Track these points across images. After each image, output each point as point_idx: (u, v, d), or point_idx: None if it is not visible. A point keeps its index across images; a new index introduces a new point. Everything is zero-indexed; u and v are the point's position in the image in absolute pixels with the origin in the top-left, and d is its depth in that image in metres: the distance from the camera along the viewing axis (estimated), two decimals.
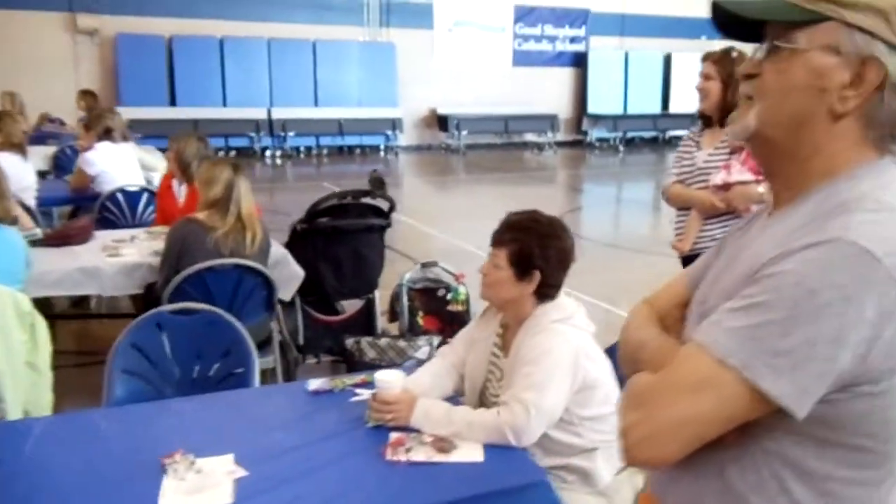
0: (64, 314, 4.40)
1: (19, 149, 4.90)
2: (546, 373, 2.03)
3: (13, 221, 3.78)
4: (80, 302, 4.79)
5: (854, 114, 1.03)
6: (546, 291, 2.16)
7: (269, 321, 3.55)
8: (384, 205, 4.16)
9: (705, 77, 3.28)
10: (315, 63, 14.76)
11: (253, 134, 14.21)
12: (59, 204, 5.40)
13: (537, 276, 2.13)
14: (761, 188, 3.14)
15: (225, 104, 14.13)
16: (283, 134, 14.36)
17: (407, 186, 13.52)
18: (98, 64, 13.79)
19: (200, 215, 3.44)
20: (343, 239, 4.05)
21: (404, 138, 15.62)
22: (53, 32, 13.37)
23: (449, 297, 4.63)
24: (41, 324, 3.13)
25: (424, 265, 4.69)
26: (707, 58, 3.32)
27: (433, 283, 4.71)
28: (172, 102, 13.89)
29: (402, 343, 4.09)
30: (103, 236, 4.12)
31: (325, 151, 14.96)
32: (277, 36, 14.39)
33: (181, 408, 2.24)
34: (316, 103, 14.79)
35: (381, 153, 15.37)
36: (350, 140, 15.06)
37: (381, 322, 4.74)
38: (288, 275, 3.96)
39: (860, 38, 1.01)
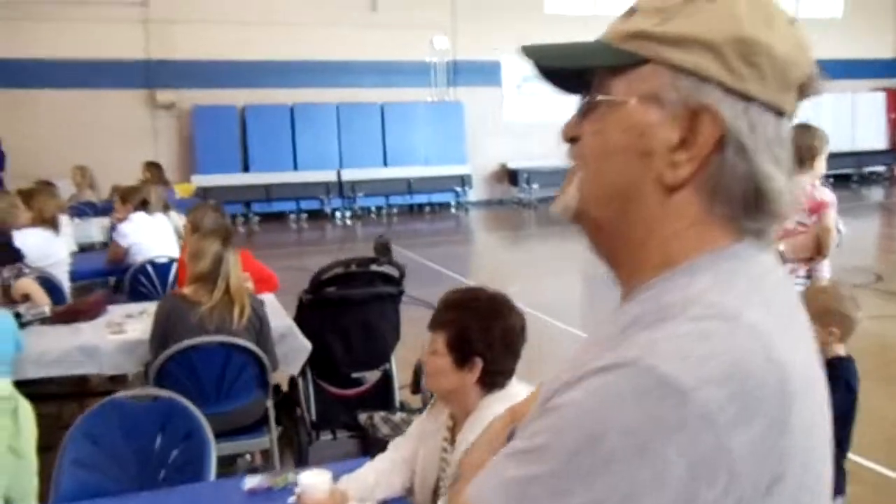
0: (65, 393, 4.34)
1: (51, 224, 4.97)
2: None
3: (16, 300, 3.79)
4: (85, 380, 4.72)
5: (692, 183, 0.76)
6: (492, 380, 1.90)
7: (264, 399, 3.38)
8: (394, 272, 3.97)
9: None
10: (383, 124, 14.92)
11: (323, 196, 14.39)
12: (94, 277, 5.45)
13: (479, 363, 1.87)
14: (781, 246, 2.80)
15: (296, 168, 14.39)
16: (352, 195, 14.48)
17: (477, 243, 13.37)
18: (175, 135, 14.32)
19: (187, 290, 3.34)
20: (351, 309, 3.87)
21: (474, 194, 15.52)
22: (134, 107, 13.99)
23: None
24: (25, 408, 3.06)
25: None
26: None
27: None
28: (245, 168, 14.23)
29: (416, 419, 3.84)
30: (114, 311, 4.07)
31: (394, 210, 14.99)
32: (346, 101, 14.63)
33: None
34: (385, 163, 14.90)
35: (452, 209, 15.30)
36: (419, 198, 15.06)
37: (404, 394, 4.52)
38: (295, 348, 3.80)
39: (687, 82, 0.75)
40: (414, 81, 15.22)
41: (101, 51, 13.48)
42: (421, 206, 15.26)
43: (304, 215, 14.31)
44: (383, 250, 3.90)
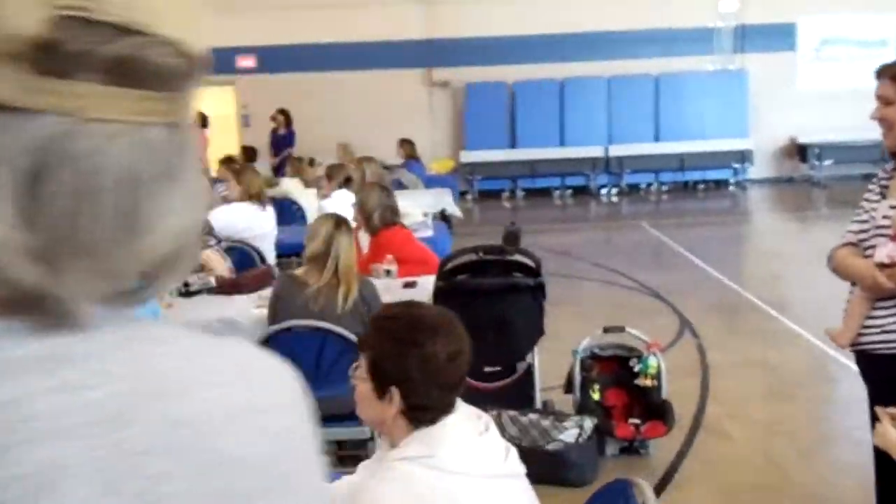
0: None
1: (257, 199, 5.32)
2: None
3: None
4: None
5: None
6: (415, 415, 1.59)
7: None
8: (531, 262, 3.65)
9: (884, 101, 2.28)
10: (657, 97, 14.11)
11: (589, 172, 14.00)
12: (298, 251, 5.73)
13: (396, 393, 1.58)
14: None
15: (562, 144, 14.16)
16: (619, 171, 13.92)
17: (751, 225, 12.18)
18: (449, 112, 14.81)
19: (299, 270, 3.35)
20: (483, 299, 3.63)
21: (755, 171, 14.09)
22: (413, 86, 14.70)
23: (637, 368, 3.92)
24: None
25: (608, 330, 4.04)
26: (883, 73, 2.30)
27: (625, 352, 4.04)
28: (512, 145, 14.31)
29: (546, 422, 3.53)
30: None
31: (664, 187, 14.15)
32: (618, 73, 14.05)
33: None
34: (656, 138, 14.10)
35: (729, 188, 14.07)
36: (692, 175, 14.04)
37: (554, 394, 4.19)
38: None
39: None
40: (693, 49, 14.15)
41: (385, 33, 14.33)
42: (694, 183, 14.23)
43: (569, 192, 14.07)
44: (512, 240, 3.60)
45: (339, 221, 3.39)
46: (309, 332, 3.13)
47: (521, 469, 1.65)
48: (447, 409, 1.60)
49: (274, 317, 3.30)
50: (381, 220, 4.42)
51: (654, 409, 3.85)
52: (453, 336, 1.62)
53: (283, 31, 14.47)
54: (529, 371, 3.85)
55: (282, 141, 12.59)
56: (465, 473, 1.51)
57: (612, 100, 14.11)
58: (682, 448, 3.91)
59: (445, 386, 1.60)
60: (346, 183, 5.78)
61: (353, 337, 3.12)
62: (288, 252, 6.17)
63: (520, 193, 14.15)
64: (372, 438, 3.31)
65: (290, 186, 7.89)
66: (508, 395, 3.85)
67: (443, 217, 10.49)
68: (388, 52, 14.38)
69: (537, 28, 13.92)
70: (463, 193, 14.09)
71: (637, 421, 3.81)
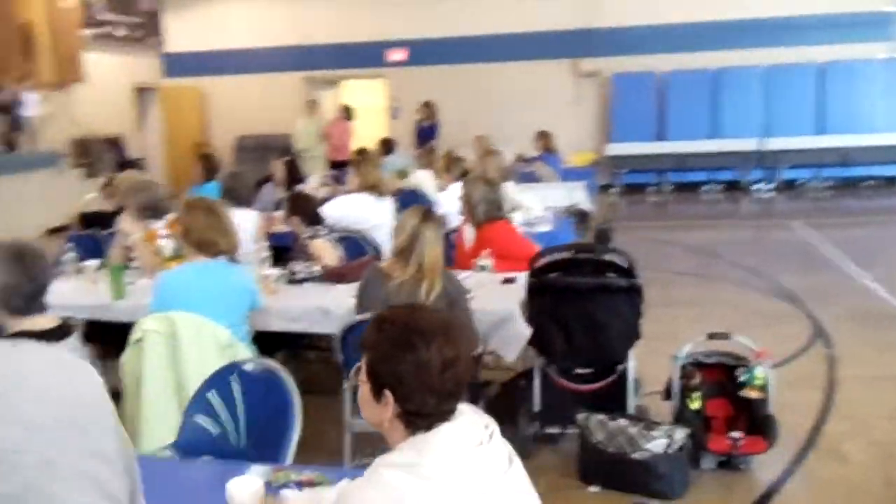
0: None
1: (374, 189, 5.44)
2: None
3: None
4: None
5: None
6: (409, 420, 1.57)
7: None
8: (625, 262, 3.50)
9: None
10: (821, 87, 13.16)
11: (742, 167, 13.28)
12: None
13: (389, 397, 1.57)
14: None
15: (714, 136, 13.50)
16: (775, 166, 13.11)
17: None
18: (596, 103, 14.50)
19: (385, 263, 3.39)
20: (574, 298, 3.54)
21: None
22: (560, 77, 14.50)
23: (743, 378, 3.70)
24: (243, 354, 3.40)
25: (712, 336, 3.84)
26: None
27: (731, 360, 3.83)
28: (661, 137, 13.81)
29: (633, 430, 3.41)
30: None
31: (825, 184, 13.17)
32: (779, 62, 13.21)
33: None
34: (818, 131, 13.15)
35: None
36: (857, 171, 13.00)
37: (651, 400, 4.03)
38: (513, 333, 3.62)
39: None
40: (864, 36, 13.07)
41: (533, 24, 14.22)
42: (859, 179, 13.16)
43: (719, 187, 13.42)
44: (602, 237, 3.46)
45: (425, 215, 3.40)
46: None
47: (524, 483, 1.59)
48: (445, 415, 1.57)
49: (360, 308, 3.36)
50: (484, 214, 4.40)
51: (758, 423, 3.61)
52: (450, 342, 1.57)
53: (432, 24, 14.70)
54: (624, 375, 3.71)
55: (425, 133, 12.80)
56: (451, 484, 1.47)
57: (769, 90, 13.31)
58: (789, 466, 3.65)
59: (442, 393, 1.56)
60: (464, 176, 5.79)
61: None
62: None
63: (667, 188, 13.66)
64: None
65: (423, 178, 8.00)
66: (602, 399, 3.73)
67: (580, 212, 10.36)
68: (536, 43, 14.28)
69: (690, 16, 13.36)
70: (607, 187, 13.78)
71: (737, 434, 3.59)
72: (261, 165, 8.56)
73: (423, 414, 1.56)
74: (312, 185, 5.32)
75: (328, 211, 5.22)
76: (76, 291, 4.29)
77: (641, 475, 3.34)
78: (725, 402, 3.78)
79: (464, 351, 1.61)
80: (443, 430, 1.54)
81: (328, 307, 3.79)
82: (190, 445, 2.57)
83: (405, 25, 14.88)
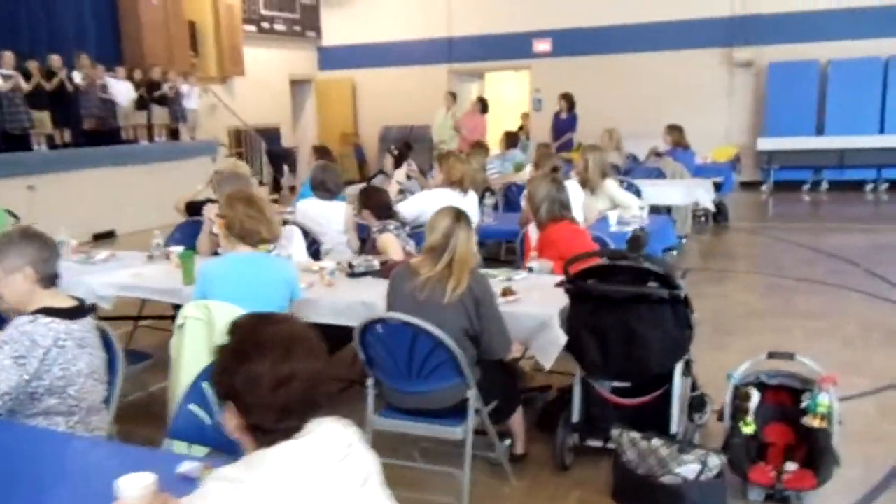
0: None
1: (459, 185, 5.39)
2: None
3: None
4: None
5: None
6: (256, 434, 1.52)
7: (464, 387, 3.19)
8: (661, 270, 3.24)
9: None
10: None
11: None
12: (505, 237, 5.70)
13: (232, 408, 1.52)
14: None
15: (882, 131, 12.31)
16: None
17: None
18: (750, 94, 13.64)
19: (416, 259, 3.35)
20: (610, 307, 3.33)
21: None
22: (712, 67, 13.76)
23: (806, 404, 3.38)
24: None
25: (773, 356, 3.51)
26: None
27: (798, 383, 3.50)
28: (820, 131, 12.77)
29: (665, 451, 3.18)
30: None
31: None
32: None
33: None
34: None
35: None
36: None
37: (704, 419, 3.74)
38: (550, 340, 3.48)
39: None
40: None
41: (683, 12, 13.58)
42: None
43: (885, 185, 12.23)
44: (635, 245, 3.22)
45: (458, 215, 3.33)
46: (402, 325, 3.12)
47: None
48: (289, 432, 1.51)
49: (388, 304, 3.34)
50: (548, 213, 4.24)
51: (814, 455, 3.26)
52: (287, 359, 1.50)
53: (578, 14, 14.40)
54: (667, 390, 3.45)
55: (563, 125, 12.55)
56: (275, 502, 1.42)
57: None
58: None
59: (282, 409, 1.50)
60: (554, 172, 5.61)
61: (439, 333, 3.06)
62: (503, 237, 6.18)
63: (824, 185, 12.63)
64: (464, 440, 3.24)
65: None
66: (647, 415, 3.50)
67: (717, 210, 9.78)
68: (686, 32, 13.64)
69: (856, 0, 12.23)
70: (756, 184, 12.96)
71: (791, 466, 3.26)
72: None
73: (264, 429, 1.51)
74: (399, 177, 5.35)
75: (405, 208, 5.24)
76: (159, 275, 4.57)
77: (670, 501, 3.10)
78: (787, 428, 3.43)
79: (305, 368, 1.52)
80: (282, 448, 1.49)
81: (373, 301, 3.79)
82: (181, 433, 2.66)
83: (551, 15, 14.65)
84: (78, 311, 2.69)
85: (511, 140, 9.60)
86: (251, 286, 3.48)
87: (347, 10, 16.76)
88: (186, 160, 12.10)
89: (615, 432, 3.36)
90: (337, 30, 16.93)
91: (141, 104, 12.04)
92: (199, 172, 11.74)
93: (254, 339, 1.53)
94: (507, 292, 3.76)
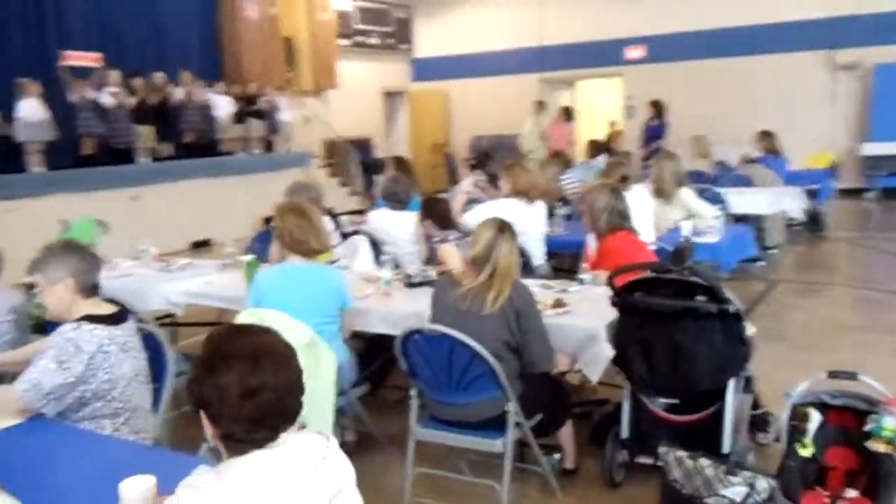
0: None
1: (524, 195, 5.36)
2: None
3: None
4: None
5: None
6: (227, 443, 1.56)
7: (503, 400, 3.16)
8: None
9: None
10: None
11: None
12: (576, 247, 5.59)
13: (204, 417, 1.57)
14: None
15: None
16: None
17: None
18: (854, 97, 12.97)
19: (459, 270, 3.36)
20: (657, 321, 3.24)
21: None
22: (813, 70, 13.18)
23: (870, 427, 3.20)
24: (326, 354, 3.56)
25: (834, 375, 3.34)
26: None
27: (864, 404, 3.32)
28: None
29: (711, 472, 3.07)
30: None
31: None
32: None
33: None
34: None
35: None
36: None
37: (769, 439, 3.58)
38: (596, 353, 3.42)
39: None
40: None
41: (780, 14, 13.08)
42: None
43: None
44: (679, 258, 3.10)
45: (501, 227, 3.32)
46: (440, 335, 3.13)
47: None
48: (260, 443, 1.54)
49: (432, 314, 3.36)
50: (606, 224, 4.16)
51: (880, 482, 3.06)
52: (256, 371, 1.53)
53: (672, 19, 14.10)
54: (719, 409, 3.32)
55: (652, 132, 12.31)
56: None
57: None
58: None
59: (250, 420, 1.53)
60: (623, 181, 5.50)
61: (474, 344, 3.05)
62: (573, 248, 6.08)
63: None
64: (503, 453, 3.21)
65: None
66: (700, 433, 3.38)
67: (812, 219, 9.34)
68: (786, 34, 13.13)
69: None
70: (860, 191, 12.32)
71: (854, 493, 3.08)
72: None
73: (234, 438, 1.54)
74: (465, 188, 5.36)
75: (470, 217, 5.25)
76: (229, 283, 4.74)
77: None
78: (850, 452, 3.24)
79: (274, 380, 1.55)
80: (251, 458, 1.52)
81: (424, 312, 3.82)
82: None
83: (644, 21, 14.39)
84: (119, 316, 2.84)
85: (596, 149, 9.46)
86: (300, 295, 3.58)
87: (440, 22, 16.96)
88: (280, 171, 12.49)
89: (662, 450, 3.25)
90: (430, 42, 17.15)
91: (238, 118, 12.52)
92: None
93: (222, 351, 1.57)
94: (558, 303, 3.72)
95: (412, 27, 17.36)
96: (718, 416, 3.37)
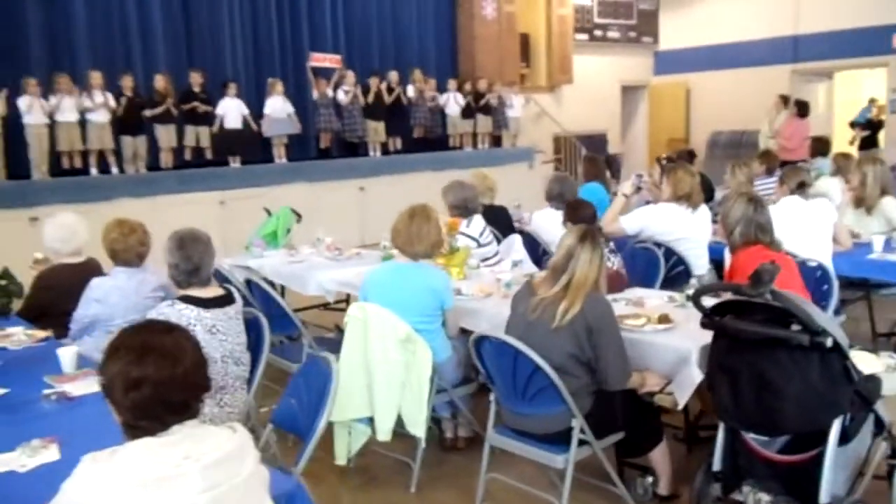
0: None
1: (686, 199, 5.02)
2: None
3: None
4: None
5: None
6: (124, 429, 1.71)
7: (569, 415, 3.06)
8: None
9: None
10: None
11: None
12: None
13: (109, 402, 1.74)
14: None
15: None
16: None
17: None
18: None
19: (538, 277, 3.30)
20: (744, 349, 2.94)
21: None
22: None
23: None
24: (422, 350, 3.70)
25: None
26: None
27: None
28: None
29: None
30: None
31: None
32: None
33: None
34: None
35: None
36: None
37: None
38: (686, 374, 3.21)
39: None
40: None
41: None
42: None
43: None
44: (757, 280, 2.72)
45: (584, 235, 3.21)
46: (505, 344, 3.10)
47: None
48: (148, 431, 1.66)
49: (508, 321, 3.34)
50: (741, 236, 3.81)
51: None
52: (140, 364, 1.66)
53: None
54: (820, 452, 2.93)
55: None
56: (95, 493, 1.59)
57: None
58: None
59: (133, 409, 1.67)
60: (800, 189, 4.96)
61: (535, 356, 2.99)
62: None
63: None
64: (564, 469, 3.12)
65: (828, 186, 6.96)
66: (800, 475, 3.03)
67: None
68: None
69: None
70: None
71: None
72: (725, 163, 7.59)
73: (127, 424, 1.70)
74: (624, 189, 5.13)
75: (627, 221, 5.07)
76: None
77: None
78: None
79: (156, 374, 1.66)
80: (138, 444, 1.65)
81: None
82: (278, 421, 2.98)
83: None
84: (217, 300, 3.16)
85: (818, 148, 8.55)
86: (399, 292, 3.73)
87: (686, 12, 16.23)
88: (503, 166, 12.72)
89: (746, 488, 2.99)
90: (674, 33, 16.49)
91: (467, 113, 12.95)
92: (514, 178, 12.31)
93: (119, 342, 1.73)
94: (663, 319, 3.52)
95: (657, 19, 16.77)
96: (821, 460, 3.00)
